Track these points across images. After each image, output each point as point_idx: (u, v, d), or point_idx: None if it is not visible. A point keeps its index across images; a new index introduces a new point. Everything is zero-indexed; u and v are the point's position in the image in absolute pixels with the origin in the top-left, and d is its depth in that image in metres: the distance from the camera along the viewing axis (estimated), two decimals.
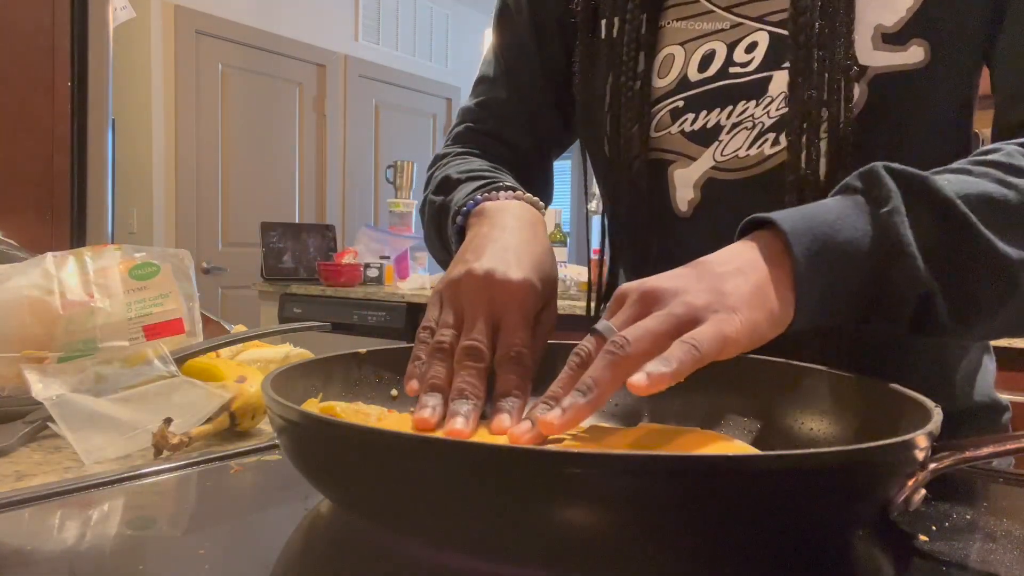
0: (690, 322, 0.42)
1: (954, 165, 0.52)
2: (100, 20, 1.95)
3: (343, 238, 4.07)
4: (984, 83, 0.63)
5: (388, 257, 3.07)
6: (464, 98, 0.94)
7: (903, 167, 0.48)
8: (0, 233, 0.98)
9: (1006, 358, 1.61)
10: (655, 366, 0.39)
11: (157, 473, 0.49)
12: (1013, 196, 0.49)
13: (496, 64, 0.82)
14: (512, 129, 0.81)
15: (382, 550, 0.37)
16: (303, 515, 0.42)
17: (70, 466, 0.51)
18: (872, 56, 0.59)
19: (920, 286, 0.46)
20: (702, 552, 0.32)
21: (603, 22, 0.71)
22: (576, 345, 0.46)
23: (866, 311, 0.48)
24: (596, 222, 2.29)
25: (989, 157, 0.52)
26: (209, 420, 0.59)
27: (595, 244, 1.00)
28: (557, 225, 2.88)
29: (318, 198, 4.29)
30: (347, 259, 3.05)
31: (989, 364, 0.73)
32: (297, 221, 4.10)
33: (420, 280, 2.88)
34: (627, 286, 0.46)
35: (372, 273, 3.01)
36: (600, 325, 0.45)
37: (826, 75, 0.59)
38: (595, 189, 1.34)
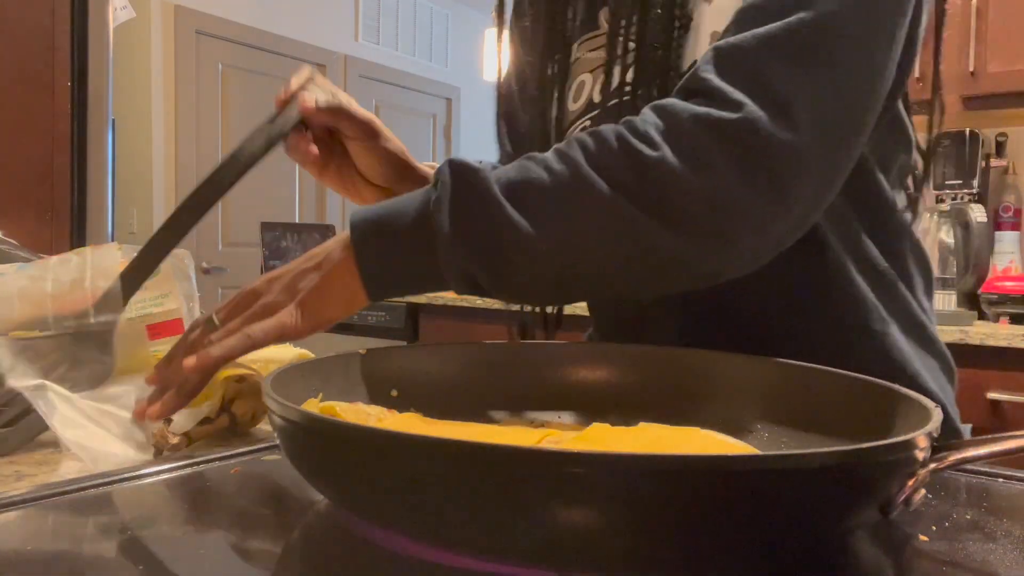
0: (263, 317, 0.54)
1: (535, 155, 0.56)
2: (100, 20, 1.95)
3: None
4: None
5: None
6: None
7: (465, 161, 0.53)
8: (0, 233, 0.98)
9: (1007, 358, 1.61)
10: (211, 350, 0.52)
11: (157, 473, 0.49)
12: (548, 178, 0.53)
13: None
14: None
15: (382, 550, 0.37)
16: (303, 515, 0.42)
17: (70, 466, 0.51)
18: None
19: (460, 268, 0.53)
20: (702, 552, 0.32)
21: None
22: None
23: (425, 285, 0.55)
24: None
25: (562, 147, 0.55)
26: (209, 420, 0.59)
27: None
28: None
29: (318, 198, 4.29)
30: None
31: (936, 363, 0.72)
32: (297, 221, 4.10)
33: None
34: (245, 287, 0.57)
35: None
36: (208, 317, 0.56)
37: (660, 77, 0.63)
38: None
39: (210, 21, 3.71)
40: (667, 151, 0.51)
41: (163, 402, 0.53)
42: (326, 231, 3.39)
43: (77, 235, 1.94)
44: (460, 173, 0.53)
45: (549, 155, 0.54)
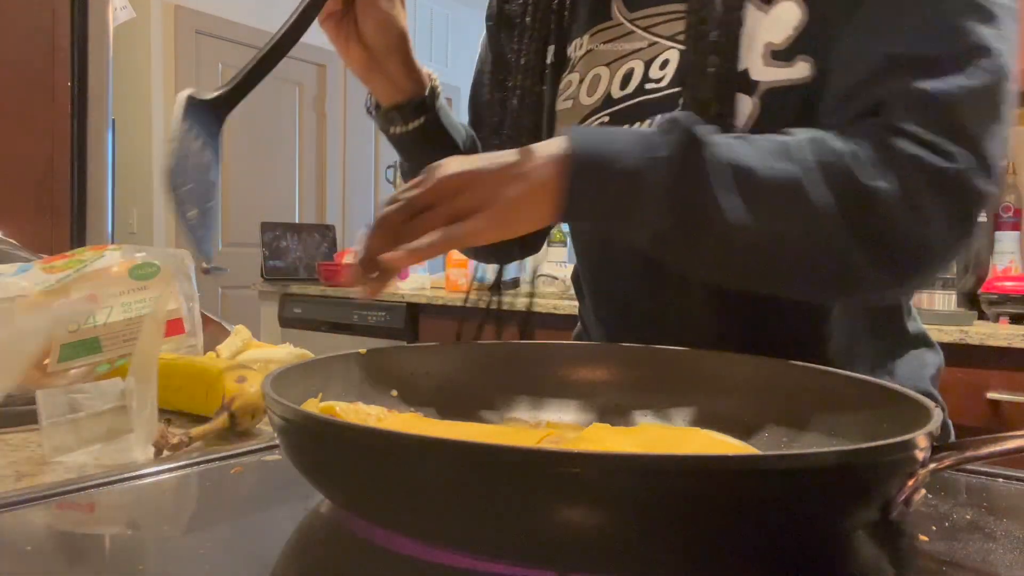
0: (463, 216, 0.52)
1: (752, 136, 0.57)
2: (100, 20, 1.95)
3: (343, 238, 4.07)
4: None
5: None
6: (464, 98, 0.97)
7: (704, 126, 0.54)
8: (0, 233, 0.98)
9: (1007, 358, 1.61)
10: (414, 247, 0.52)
11: (157, 473, 0.49)
12: (775, 173, 0.54)
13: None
14: None
15: (382, 550, 0.37)
16: (303, 515, 0.42)
17: (70, 466, 0.51)
18: (763, 72, 0.61)
19: (659, 229, 0.54)
20: (702, 552, 0.32)
21: (550, 48, 0.77)
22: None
23: (615, 226, 0.56)
24: None
25: (780, 138, 0.56)
26: (209, 420, 0.59)
27: None
28: (557, 225, 2.87)
29: (318, 198, 4.29)
30: (347, 259, 3.04)
31: (929, 358, 0.73)
32: (297, 221, 4.10)
33: (420, 280, 2.87)
34: (437, 164, 0.54)
35: (372, 273, 3.01)
36: (404, 194, 0.54)
37: (716, 85, 0.62)
38: None
39: (210, 21, 3.71)
40: (890, 189, 0.53)
41: (371, 289, 0.54)
42: (326, 231, 3.39)
43: (77, 235, 1.94)
44: (693, 138, 0.53)
45: (775, 146, 0.55)
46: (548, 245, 2.84)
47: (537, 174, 0.53)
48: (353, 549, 0.39)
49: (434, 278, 2.85)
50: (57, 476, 0.49)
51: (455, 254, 2.68)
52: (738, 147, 0.54)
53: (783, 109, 0.61)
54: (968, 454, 0.39)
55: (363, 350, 0.56)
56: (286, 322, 2.97)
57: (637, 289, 0.73)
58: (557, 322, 2.18)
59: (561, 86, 0.75)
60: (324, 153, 4.27)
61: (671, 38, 0.67)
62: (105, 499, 0.45)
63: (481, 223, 0.52)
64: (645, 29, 0.69)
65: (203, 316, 0.82)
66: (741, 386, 0.54)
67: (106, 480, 0.47)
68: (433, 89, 0.79)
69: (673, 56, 0.66)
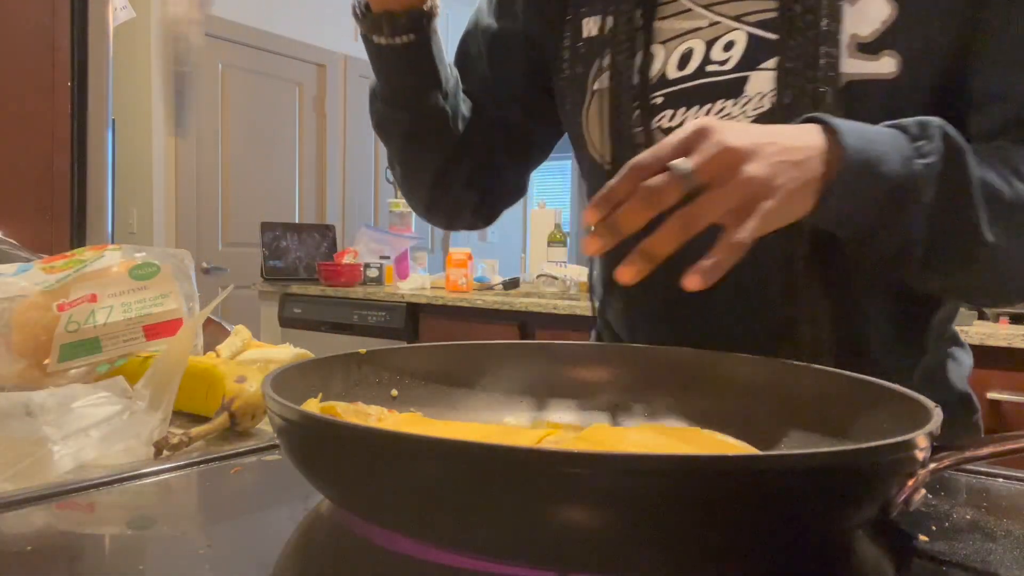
0: (746, 208, 0.47)
1: (976, 146, 0.56)
2: (100, 20, 1.95)
3: (343, 238, 4.07)
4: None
5: (388, 257, 3.07)
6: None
7: (954, 131, 0.54)
8: (0, 233, 0.98)
9: (1007, 358, 1.61)
10: (706, 272, 0.46)
11: (157, 473, 0.49)
12: (1008, 191, 0.55)
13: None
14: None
15: (382, 550, 0.37)
16: (303, 515, 0.42)
17: (70, 466, 0.51)
18: (846, 64, 0.60)
19: (915, 233, 0.53)
20: (702, 552, 0.32)
21: (585, 22, 0.72)
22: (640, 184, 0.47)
23: (866, 235, 0.54)
24: None
25: (1003, 152, 0.57)
26: (209, 420, 0.59)
27: None
28: (557, 225, 2.88)
29: (318, 198, 4.29)
30: (347, 259, 3.04)
31: (964, 358, 0.73)
32: (297, 221, 4.10)
33: (420, 280, 2.87)
34: (709, 128, 0.48)
35: (372, 273, 3.01)
36: (680, 165, 0.47)
37: (805, 79, 0.60)
38: None
39: (210, 21, 3.70)
40: None
41: (636, 269, 0.47)
42: (326, 231, 3.39)
43: (77, 235, 1.94)
44: (953, 150, 0.53)
45: (998, 163, 0.56)
46: (549, 245, 2.84)
47: (811, 165, 0.50)
48: (353, 549, 0.39)
49: (434, 278, 2.85)
50: (57, 476, 0.49)
51: (455, 255, 2.68)
52: (977, 158, 0.55)
53: (865, 104, 0.60)
54: (968, 454, 0.39)
55: (363, 350, 0.56)
56: (286, 322, 2.97)
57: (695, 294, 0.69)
58: (557, 322, 2.18)
59: (605, 62, 0.71)
60: (324, 153, 4.27)
61: (738, 19, 0.64)
62: (105, 499, 0.45)
63: (770, 219, 0.48)
64: (707, 7, 0.66)
65: None
66: (741, 386, 0.54)
67: (106, 480, 0.47)
68: (432, 7, 0.72)
69: (740, 38, 0.64)
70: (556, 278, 2.46)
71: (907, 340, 0.68)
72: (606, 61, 0.70)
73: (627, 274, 0.47)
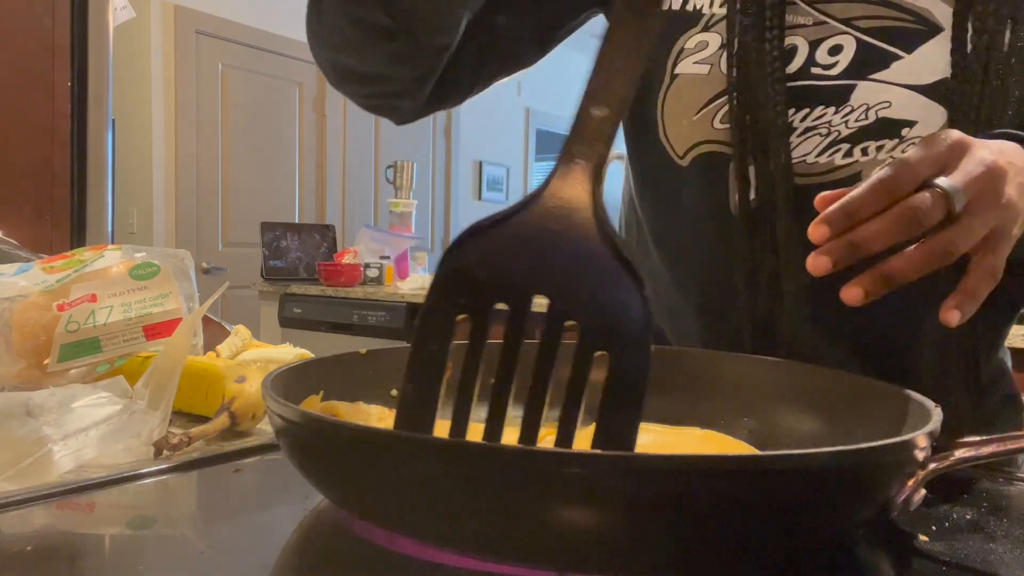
0: (995, 233, 0.44)
1: None
2: (100, 20, 1.95)
3: (343, 238, 4.07)
4: None
5: (388, 257, 3.07)
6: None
7: None
8: (0, 233, 0.98)
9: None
10: (964, 304, 0.43)
11: (157, 473, 0.49)
12: None
13: None
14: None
15: (382, 550, 0.37)
16: (303, 515, 0.42)
17: (70, 466, 0.51)
18: None
19: None
20: (701, 552, 0.32)
21: None
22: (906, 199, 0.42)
23: None
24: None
25: None
26: (209, 420, 0.59)
27: None
28: None
29: (318, 198, 4.29)
30: (347, 259, 3.05)
31: (1008, 360, 0.73)
32: (297, 221, 4.10)
33: (420, 280, 2.87)
34: (965, 143, 0.44)
35: (372, 273, 3.01)
36: (949, 185, 0.42)
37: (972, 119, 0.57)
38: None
39: (210, 21, 3.71)
40: None
41: (867, 292, 0.42)
42: (326, 231, 3.39)
43: (77, 235, 1.94)
44: None
45: None
46: None
47: None
48: (353, 549, 0.39)
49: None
50: (57, 476, 0.49)
51: None
52: None
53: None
54: (968, 454, 0.39)
55: (363, 350, 0.56)
56: (286, 322, 2.97)
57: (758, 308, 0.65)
58: None
59: (690, 44, 0.65)
60: (324, 153, 4.27)
61: (845, 22, 0.61)
62: (105, 499, 0.45)
63: (1011, 245, 0.45)
64: (811, 4, 0.62)
65: (203, 316, 0.82)
66: (741, 386, 0.54)
67: (106, 480, 0.47)
68: None
69: (848, 43, 0.60)
70: None
71: (989, 347, 0.67)
72: (693, 43, 0.64)
73: (856, 296, 0.42)
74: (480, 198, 5.17)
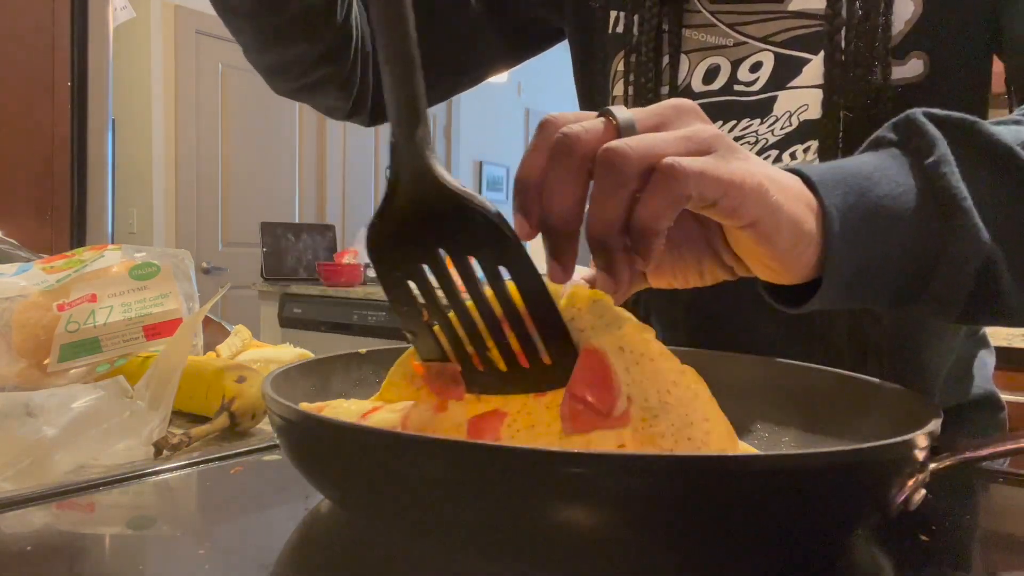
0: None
1: (999, 118, 0.45)
2: (100, 20, 1.95)
3: (343, 238, 4.07)
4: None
5: None
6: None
7: (946, 112, 0.41)
8: (0, 233, 0.98)
9: (1007, 358, 1.61)
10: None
11: (157, 473, 0.49)
12: None
13: None
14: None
15: (382, 550, 0.37)
16: (303, 515, 0.42)
17: (70, 466, 0.51)
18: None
19: (981, 252, 0.38)
20: (702, 552, 0.32)
21: (614, 15, 0.70)
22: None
23: (909, 288, 0.40)
24: None
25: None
26: (209, 420, 0.59)
27: None
28: None
29: (318, 198, 4.29)
30: (347, 259, 3.05)
31: (987, 358, 0.73)
32: (297, 221, 4.10)
33: None
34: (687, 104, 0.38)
35: (372, 273, 3.01)
36: (621, 116, 0.36)
37: (856, 88, 0.58)
38: None
39: (210, 21, 3.71)
40: None
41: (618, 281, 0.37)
42: (326, 231, 3.39)
43: (77, 235, 1.94)
44: (953, 127, 0.40)
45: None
46: None
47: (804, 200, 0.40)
48: (353, 549, 0.39)
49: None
50: (57, 476, 0.49)
51: None
52: (1006, 130, 0.43)
53: (896, 109, 0.53)
54: (968, 454, 0.39)
55: (363, 350, 0.56)
56: (286, 322, 2.97)
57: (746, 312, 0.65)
58: None
59: (622, 66, 0.69)
60: (324, 153, 4.27)
61: (763, 40, 0.63)
62: (105, 499, 0.45)
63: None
64: (730, 26, 0.65)
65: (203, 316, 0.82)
66: (741, 386, 0.54)
67: (106, 480, 0.47)
68: None
69: (767, 59, 0.63)
70: None
71: (940, 343, 0.67)
72: (626, 65, 0.68)
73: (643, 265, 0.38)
74: None
